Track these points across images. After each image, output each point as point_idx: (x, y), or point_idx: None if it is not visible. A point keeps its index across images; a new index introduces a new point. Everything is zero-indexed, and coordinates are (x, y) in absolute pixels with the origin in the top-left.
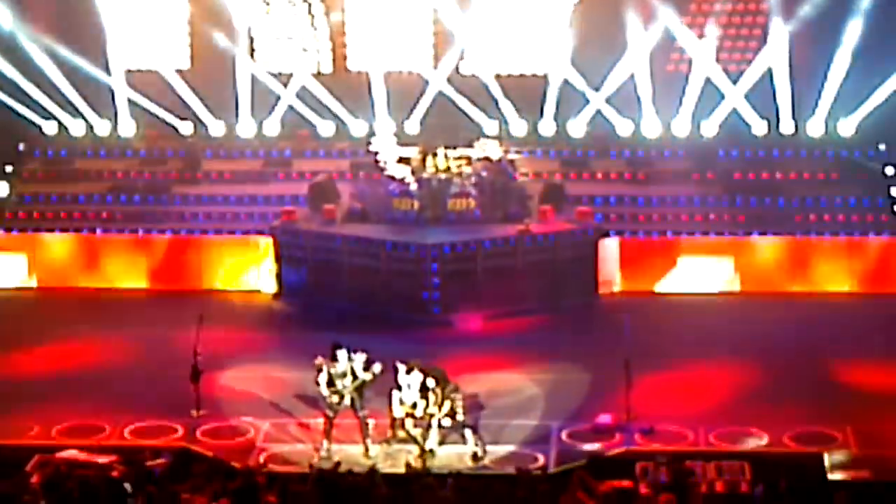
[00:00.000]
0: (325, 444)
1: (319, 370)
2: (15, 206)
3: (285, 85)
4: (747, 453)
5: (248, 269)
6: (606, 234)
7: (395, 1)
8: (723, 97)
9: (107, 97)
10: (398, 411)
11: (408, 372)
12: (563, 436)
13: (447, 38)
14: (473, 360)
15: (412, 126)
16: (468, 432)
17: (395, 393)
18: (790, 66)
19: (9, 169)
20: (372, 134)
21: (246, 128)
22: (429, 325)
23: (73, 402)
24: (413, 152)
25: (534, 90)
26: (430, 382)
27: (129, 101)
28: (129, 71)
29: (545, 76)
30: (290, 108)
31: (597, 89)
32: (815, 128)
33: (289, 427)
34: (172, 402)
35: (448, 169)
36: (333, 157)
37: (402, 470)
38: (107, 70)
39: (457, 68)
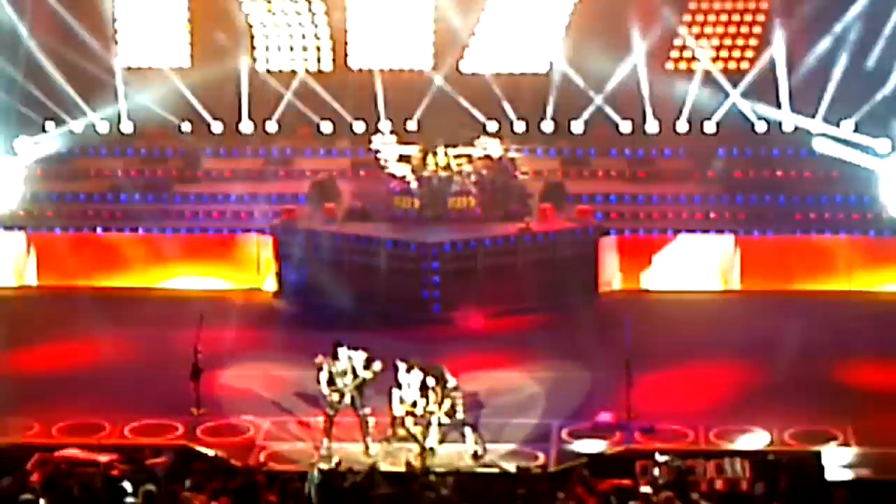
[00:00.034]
0: (326, 442)
1: (320, 368)
2: (14, 204)
3: (286, 83)
4: (747, 452)
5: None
6: (607, 233)
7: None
8: (727, 95)
9: (107, 95)
10: (398, 410)
11: (408, 370)
12: (564, 434)
13: (448, 37)
14: (474, 359)
15: (413, 124)
16: (468, 431)
17: (395, 391)
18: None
19: (8, 167)
20: (373, 132)
21: (246, 126)
22: (429, 323)
23: (73, 400)
24: (413, 150)
25: (534, 89)
26: (431, 381)
27: (130, 99)
28: (129, 69)
29: (546, 74)
30: (291, 106)
31: (597, 88)
32: (816, 126)
33: (289, 425)
34: (172, 401)
35: (448, 167)
36: (334, 155)
37: (402, 468)
38: (107, 68)
39: (457, 66)
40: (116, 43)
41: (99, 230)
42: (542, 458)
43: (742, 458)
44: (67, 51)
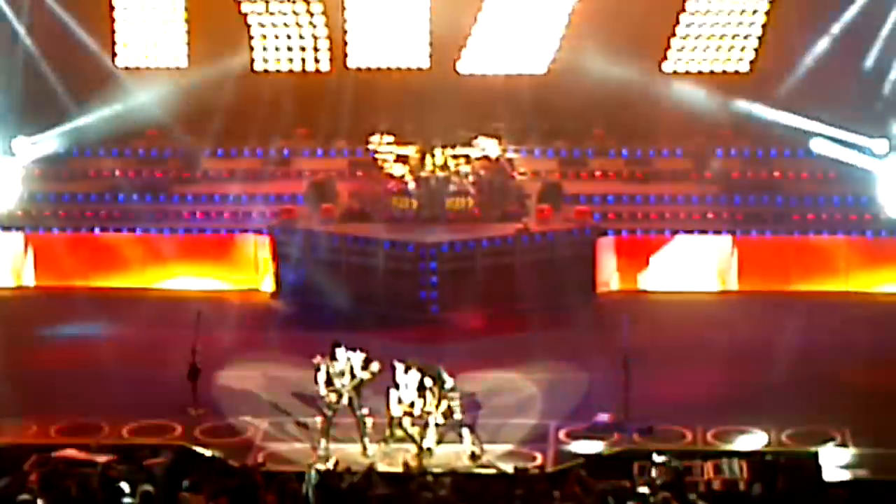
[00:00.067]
0: (323, 443)
1: (318, 369)
2: (12, 204)
3: (284, 83)
4: (745, 452)
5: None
6: (605, 233)
7: None
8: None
9: (104, 95)
10: (396, 410)
11: (405, 371)
12: (561, 435)
13: (446, 37)
14: (471, 359)
15: (411, 124)
16: (466, 431)
17: (392, 392)
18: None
19: (6, 167)
20: (370, 133)
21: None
22: (427, 323)
23: (72, 400)
24: (411, 151)
25: (532, 89)
26: (428, 381)
27: (127, 99)
28: (127, 69)
29: (545, 75)
30: (289, 106)
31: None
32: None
33: (287, 426)
34: (170, 401)
35: (446, 168)
36: (332, 155)
37: (399, 469)
38: (105, 68)
39: (455, 67)
40: (114, 43)
41: (97, 230)
42: (539, 458)
43: (739, 459)
44: (65, 51)
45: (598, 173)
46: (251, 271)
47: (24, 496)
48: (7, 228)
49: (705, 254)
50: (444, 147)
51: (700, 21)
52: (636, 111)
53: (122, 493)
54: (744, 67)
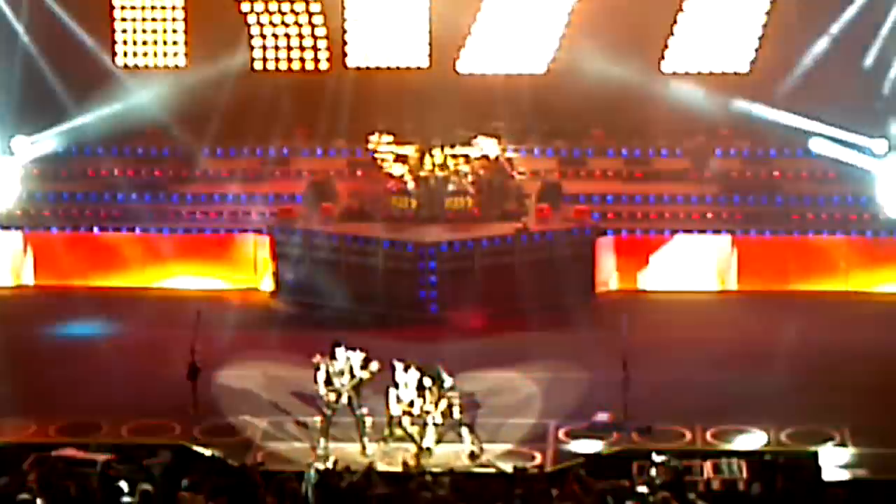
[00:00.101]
0: (323, 442)
1: (317, 368)
2: (11, 204)
3: (282, 82)
4: (744, 452)
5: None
6: (604, 233)
7: None
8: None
9: (103, 95)
10: (395, 409)
11: (405, 370)
12: (561, 434)
13: (445, 36)
14: (470, 359)
15: (410, 124)
16: (465, 430)
17: (392, 391)
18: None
19: (5, 167)
20: (369, 132)
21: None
22: (426, 323)
23: (71, 400)
24: (410, 150)
25: (533, 89)
26: (427, 381)
27: (126, 99)
28: (126, 68)
29: (544, 74)
30: (288, 105)
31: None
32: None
33: (286, 425)
34: (170, 401)
35: (445, 167)
36: (331, 155)
37: (399, 468)
38: (104, 67)
39: (455, 66)
40: (114, 42)
41: (96, 230)
42: (538, 458)
43: (739, 458)
44: (64, 50)
45: (597, 173)
46: (250, 271)
47: (24, 495)
48: (6, 228)
49: (705, 253)
50: (443, 147)
51: (699, 21)
52: (636, 111)
53: (122, 493)
54: (743, 67)
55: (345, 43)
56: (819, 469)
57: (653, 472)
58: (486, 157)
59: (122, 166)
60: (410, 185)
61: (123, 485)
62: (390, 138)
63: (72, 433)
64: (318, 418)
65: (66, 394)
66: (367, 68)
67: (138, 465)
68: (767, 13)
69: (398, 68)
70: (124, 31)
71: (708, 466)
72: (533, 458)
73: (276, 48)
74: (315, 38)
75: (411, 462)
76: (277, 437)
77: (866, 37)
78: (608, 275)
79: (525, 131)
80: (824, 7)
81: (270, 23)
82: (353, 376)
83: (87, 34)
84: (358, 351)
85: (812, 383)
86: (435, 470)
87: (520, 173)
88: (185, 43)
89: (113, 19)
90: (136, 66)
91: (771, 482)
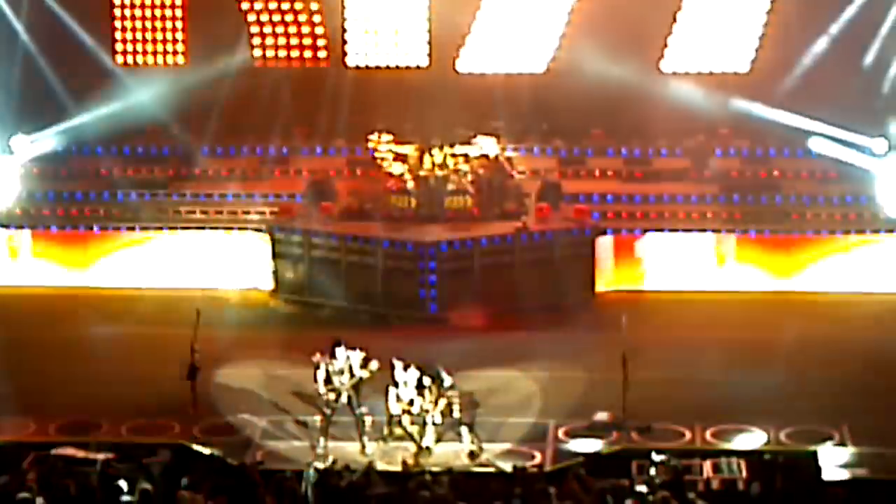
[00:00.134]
0: (322, 441)
1: (317, 367)
2: (11, 203)
3: (283, 81)
4: (744, 451)
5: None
6: (604, 232)
7: None
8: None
9: (103, 93)
10: (395, 409)
11: (404, 369)
12: (560, 433)
13: (445, 35)
14: (470, 358)
15: (410, 123)
16: (464, 430)
17: (391, 390)
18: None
19: (4, 166)
20: (369, 131)
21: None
22: (426, 322)
23: (70, 398)
24: (410, 150)
25: (533, 88)
26: (427, 380)
27: (126, 97)
28: (125, 67)
29: (544, 74)
30: (287, 104)
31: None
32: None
33: (286, 424)
34: (169, 400)
35: (445, 166)
36: (331, 154)
37: (398, 467)
38: (104, 66)
39: (454, 65)
40: (114, 41)
41: (96, 229)
42: (538, 457)
43: (739, 458)
44: (64, 49)
45: (597, 172)
46: (250, 270)
47: (23, 494)
48: (6, 226)
49: (704, 253)
50: (443, 146)
51: (699, 21)
52: (635, 110)
53: (121, 492)
54: (743, 67)
55: (344, 42)
56: (819, 468)
57: (652, 471)
58: (485, 156)
59: (122, 165)
60: (410, 185)
61: (123, 484)
62: (390, 137)
63: (71, 432)
64: (317, 417)
65: (65, 393)
66: (367, 67)
67: (138, 464)
68: (768, 13)
69: (398, 67)
70: (124, 29)
71: (707, 466)
72: (532, 457)
73: (276, 47)
74: (315, 37)
75: (411, 461)
76: (277, 436)
77: (866, 36)
78: (608, 274)
79: (525, 131)
80: (824, 7)
81: (270, 21)
82: (352, 375)
83: (87, 33)
84: (357, 350)
85: (811, 383)
86: (434, 469)
87: (519, 173)
88: (185, 42)
89: (113, 18)
90: (135, 65)
91: (770, 481)
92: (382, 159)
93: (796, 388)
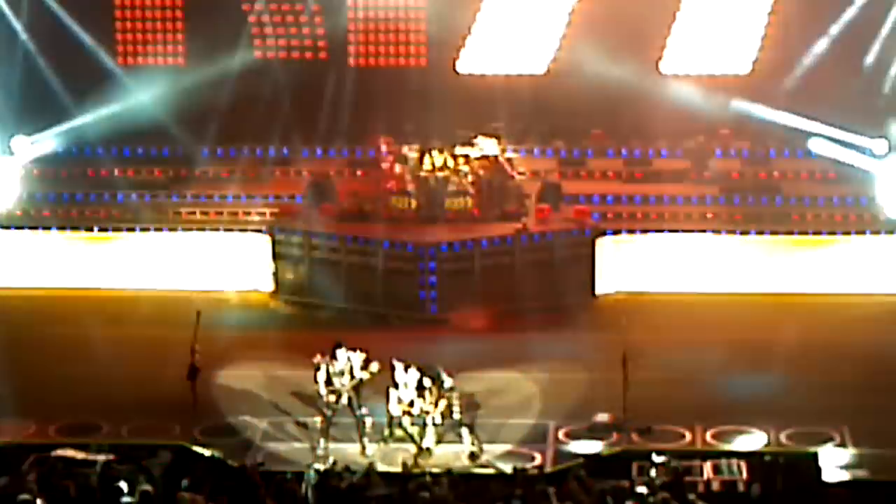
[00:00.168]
0: (323, 442)
1: (318, 368)
2: (11, 204)
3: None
4: (744, 452)
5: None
6: (604, 234)
7: None
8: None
9: (103, 95)
10: (395, 410)
11: (405, 370)
12: (561, 435)
13: (446, 36)
14: (470, 359)
15: (411, 124)
16: (465, 431)
17: (392, 391)
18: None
19: (5, 167)
20: (371, 132)
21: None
22: (426, 323)
23: (71, 400)
24: (411, 150)
25: (533, 89)
26: (427, 381)
27: (126, 98)
28: (126, 67)
29: (544, 75)
30: (288, 105)
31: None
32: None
33: (286, 426)
34: (170, 401)
35: (445, 167)
36: (331, 155)
37: (398, 469)
38: (104, 67)
39: (454, 66)
40: (115, 42)
41: (96, 230)
42: (538, 458)
43: (739, 459)
44: (64, 49)
45: (597, 173)
46: (250, 271)
47: (24, 496)
48: (6, 228)
49: (704, 254)
50: (443, 147)
51: (699, 22)
52: (635, 111)
53: (121, 493)
54: (743, 69)
55: (346, 43)
56: (819, 470)
57: (652, 472)
58: (486, 157)
59: (122, 166)
60: (410, 186)
61: (123, 485)
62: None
63: (71, 433)
64: (318, 419)
65: (66, 394)
66: (368, 68)
67: (138, 465)
68: (768, 14)
69: (398, 68)
70: (124, 30)
71: (708, 467)
72: (533, 458)
73: (277, 47)
74: (316, 37)
75: (411, 462)
76: (277, 437)
77: (866, 37)
78: (608, 275)
79: (525, 131)
80: (824, 8)
81: (271, 22)
82: (353, 377)
83: (87, 33)
84: (358, 351)
85: (812, 384)
86: (435, 470)
87: (520, 173)
88: (185, 43)
89: (113, 19)
90: (136, 66)
91: (771, 483)
92: (384, 160)
93: (797, 390)
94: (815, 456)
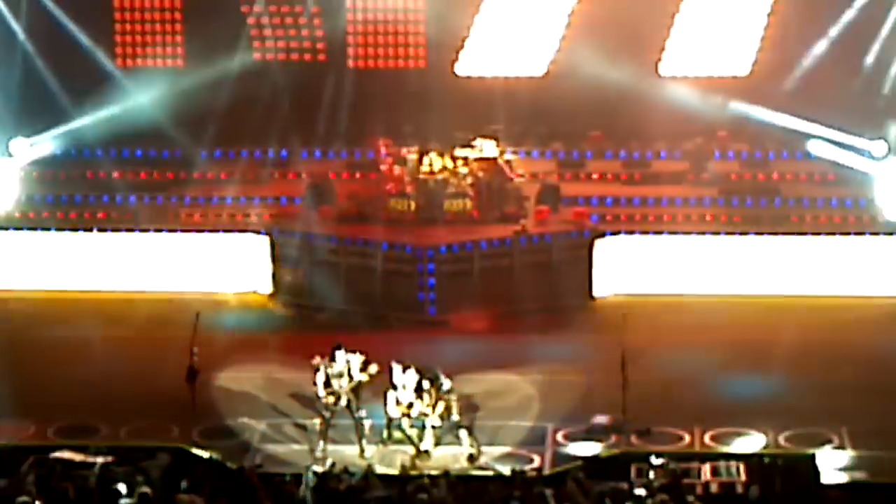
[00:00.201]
0: (321, 444)
1: (317, 370)
2: (10, 206)
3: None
4: (743, 454)
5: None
6: (602, 235)
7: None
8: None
9: (102, 96)
10: (394, 412)
11: (403, 372)
12: (559, 437)
13: (444, 38)
14: (469, 361)
15: (410, 126)
16: (463, 433)
17: (390, 393)
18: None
19: (4, 169)
20: (370, 134)
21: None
22: (425, 325)
23: (69, 402)
24: (410, 152)
25: (532, 91)
26: (426, 383)
27: (125, 100)
28: (124, 69)
29: (543, 77)
30: (287, 107)
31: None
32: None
33: (285, 427)
34: (168, 403)
35: (444, 169)
36: (330, 157)
37: (397, 471)
38: (103, 68)
39: (453, 68)
40: (114, 44)
41: (95, 232)
42: (537, 460)
43: (737, 461)
44: (63, 51)
45: (596, 175)
46: (249, 273)
47: (23, 498)
48: (5, 230)
49: (703, 256)
50: (442, 149)
51: (697, 24)
52: (634, 113)
53: (120, 495)
54: (743, 70)
55: (345, 45)
56: (817, 472)
57: (651, 474)
58: (485, 159)
59: (121, 168)
60: (409, 188)
61: (122, 487)
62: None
63: (70, 435)
64: (316, 420)
65: (64, 396)
66: (367, 70)
67: (137, 467)
68: (768, 15)
69: (397, 70)
70: (123, 31)
71: (706, 469)
72: (531, 460)
73: (276, 49)
74: (315, 39)
75: (409, 464)
76: (276, 439)
77: (865, 39)
78: (607, 277)
79: (524, 133)
80: (822, 9)
81: (270, 24)
82: (351, 378)
83: (86, 35)
84: (357, 353)
85: (810, 386)
86: (433, 472)
87: (518, 175)
88: (184, 44)
89: (112, 20)
90: (135, 68)
91: (769, 485)
92: (383, 162)
93: (795, 392)
94: (813, 458)
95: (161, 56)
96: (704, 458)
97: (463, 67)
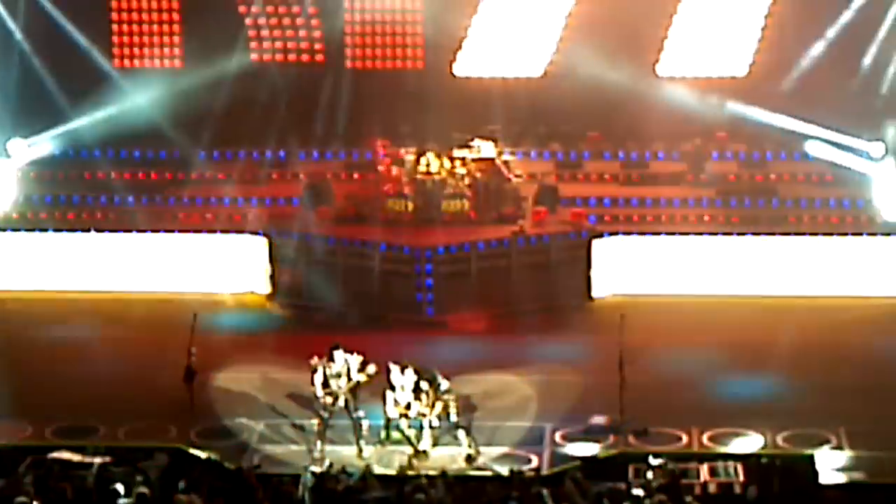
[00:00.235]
0: (319, 445)
1: (315, 370)
2: (7, 206)
3: (282, 84)
4: (741, 455)
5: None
6: (600, 236)
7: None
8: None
9: (100, 97)
10: (392, 412)
11: (401, 373)
12: (557, 437)
13: (442, 39)
14: (467, 362)
15: (408, 126)
16: (461, 433)
17: (388, 394)
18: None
19: (1, 169)
20: (368, 135)
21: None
22: (423, 326)
23: (67, 402)
24: (407, 153)
25: (530, 91)
26: (424, 384)
27: (122, 101)
28: (122, 70)
29: (541, 77)
30: (285, 107)
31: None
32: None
33: (283, 428)
34: (166, 403)
35: (442, 170)
36: (328, 157)
37: (395, 471)
38: (100, 69)
39: (451, 69)
40: (111, 44)
41: (93, 232)
42: (535, 460)
43: (735, 461)
44: (61, 52)
45: (593, 176)
46: (247, 273)
47: (20, 498)
48: (3, 230)
49: (701, 257)
50: (439, 149)
51: (695, 24)
52: (632, 114)
53: (118, 495)
54: (740, 71)
55: (343, 45)
56: (815, 472)
57: (649, 474)
58: (482, 159)
59: (119, 168)
60: (407, 188)
61: (120, 487)
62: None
63: (68, 436)
64: (314, 421)
65: (62, 396)
66: (364, 71)
67: (135, 467)
68: (765, 16)
69: (395, 71)
70: (121, 32)
71: (704, 469)
72: (529, 460)
73: (274, 50)
74: (313, 40)
75: (407, 465)
76: (274, 439)
77: (862, 40)
78: (604, 278)
79: (521, 134)
80: (820, 10)
81: (268, 24)
82: (349, 379)
83: (83, 36)
84: (354, 354)
85: (808, 386)
86: (431, 473)
87: (516, 176)
88: (181, 45)
89: (109, 21)
90: (132, 68)
91: (767, 485)
92: (381, 163)
93: (793, 392)
94: (811, 458)
95: (159, 57)
96: (703, 458)
97: (461, 68)
